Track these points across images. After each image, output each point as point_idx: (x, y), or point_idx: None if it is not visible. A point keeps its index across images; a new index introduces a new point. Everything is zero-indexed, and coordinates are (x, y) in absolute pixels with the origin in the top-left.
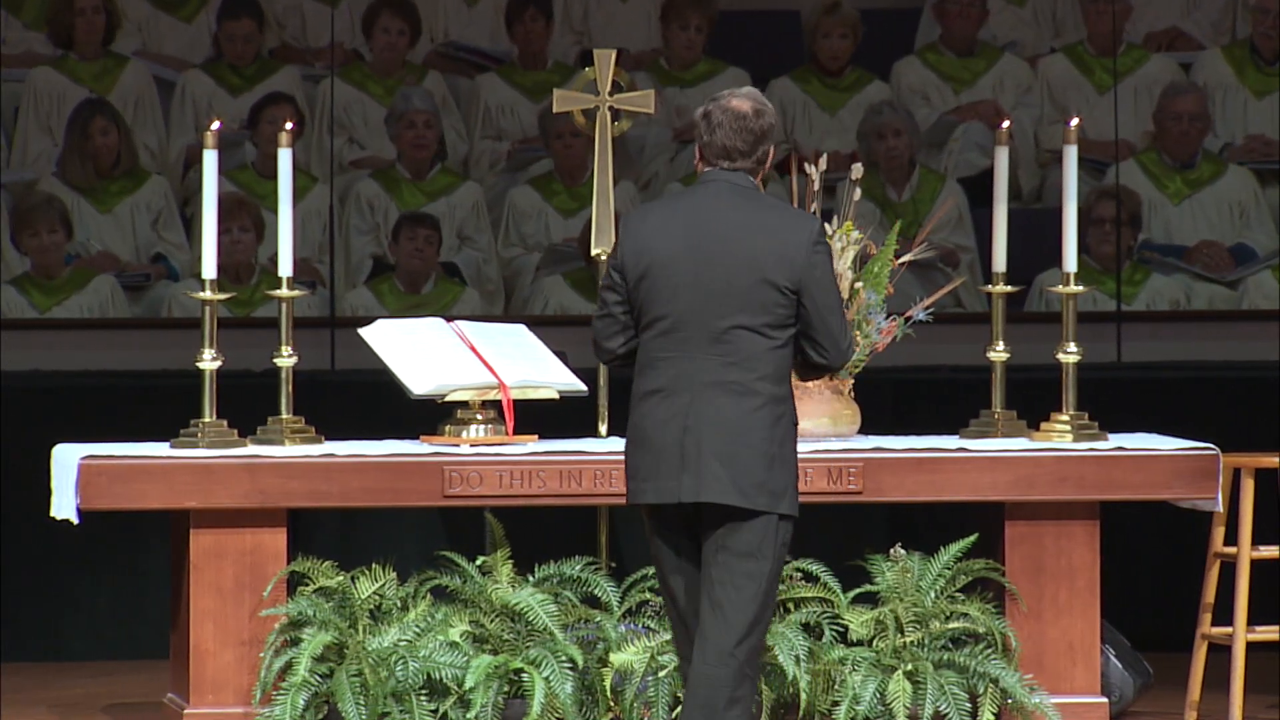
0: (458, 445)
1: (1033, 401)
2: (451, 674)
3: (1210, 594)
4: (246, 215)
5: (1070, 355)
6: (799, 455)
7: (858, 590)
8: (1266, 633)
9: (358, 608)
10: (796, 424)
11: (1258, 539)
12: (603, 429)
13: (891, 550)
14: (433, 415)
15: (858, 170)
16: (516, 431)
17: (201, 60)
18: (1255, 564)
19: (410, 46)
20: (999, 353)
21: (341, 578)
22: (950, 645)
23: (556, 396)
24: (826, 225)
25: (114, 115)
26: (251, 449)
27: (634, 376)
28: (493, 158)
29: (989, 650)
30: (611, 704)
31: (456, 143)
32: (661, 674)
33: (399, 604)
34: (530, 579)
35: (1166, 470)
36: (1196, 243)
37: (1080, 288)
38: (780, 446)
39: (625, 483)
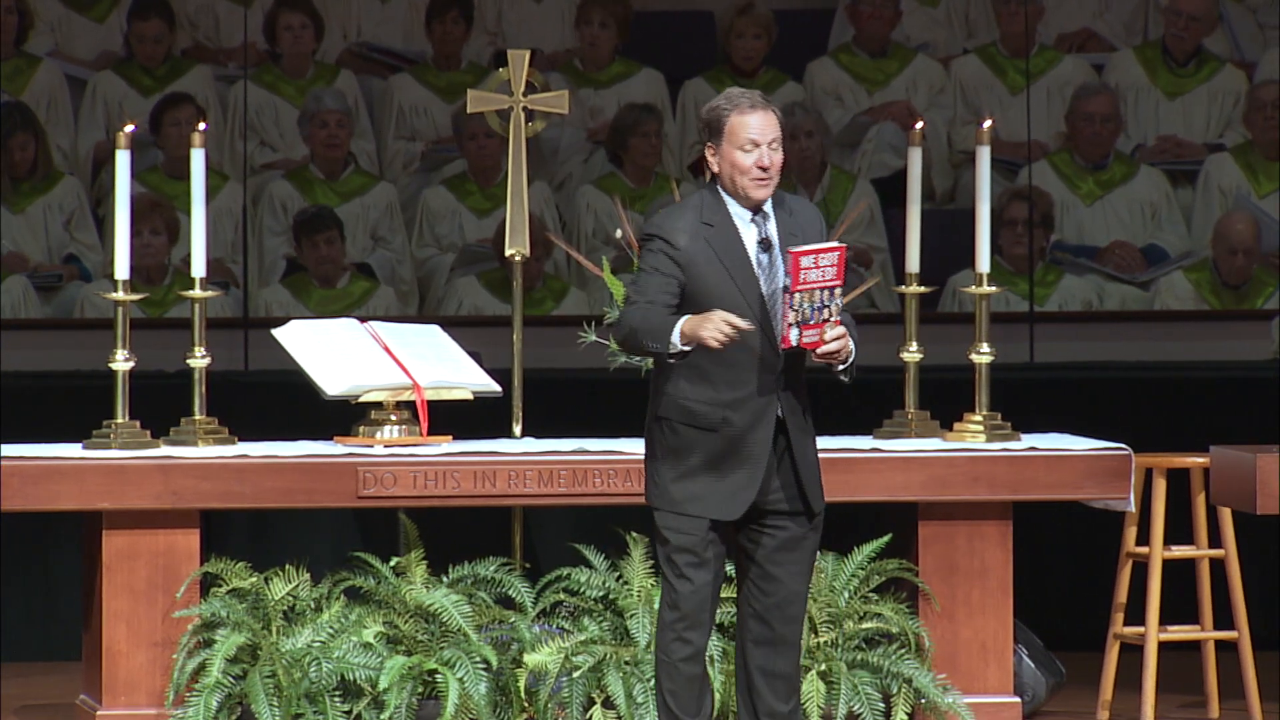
0: (372, 446)
1: (946, 402)
2: (365, 675)
3: (1122, 594)
4: (159, 218)
5: (983, 356)
6: None
7: None
8: (1178, 632)
9: (271, 609)
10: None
11: (1170, 539)
12: (517, 430)
13: None
14: (347, 416)
15: None
16: (431, 432)
17: (114, 61)
18: (1167, 564)
19: (316, 41)
20: (912, 353)
21: (255, 579)
22: (864, 645)
23: (470, 397)
24: None
25: (34, 127)
26: (164, 450)
27: None
28: (406, 158)
29: (902, 650)
30: (525, 705)
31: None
32: (575, 675)
33: (313, 605)
34: (444, 580)
35: (1079, 470)
36: (1108, 243)
37: (993, 288)
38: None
39: None
